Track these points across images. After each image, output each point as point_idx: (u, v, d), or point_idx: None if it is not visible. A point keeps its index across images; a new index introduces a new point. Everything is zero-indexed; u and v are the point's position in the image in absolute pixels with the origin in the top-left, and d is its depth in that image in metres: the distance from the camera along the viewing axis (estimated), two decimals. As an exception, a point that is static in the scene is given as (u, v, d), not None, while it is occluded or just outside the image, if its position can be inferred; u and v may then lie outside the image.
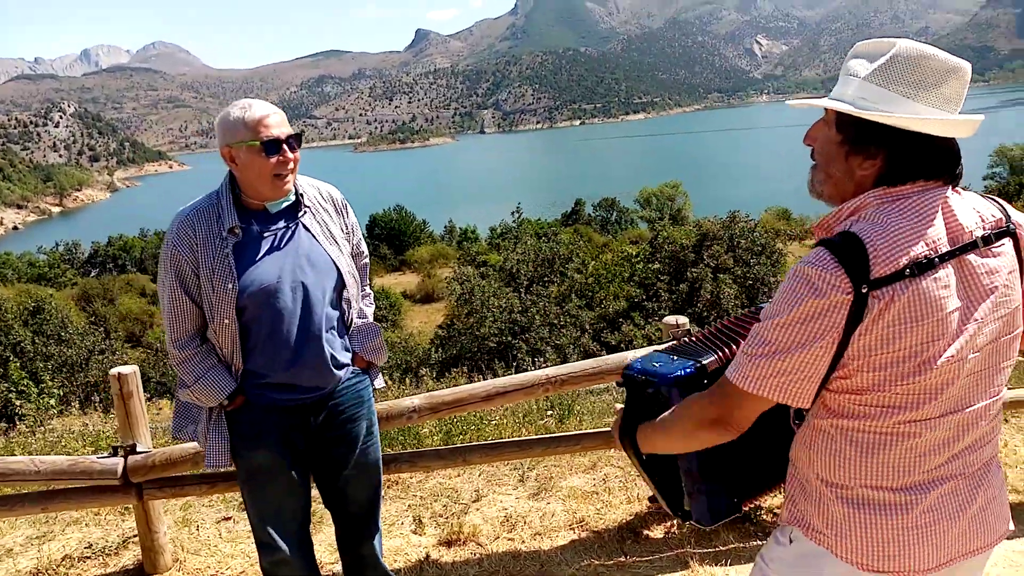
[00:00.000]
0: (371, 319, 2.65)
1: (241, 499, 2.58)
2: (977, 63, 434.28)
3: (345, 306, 2.51)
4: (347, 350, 2.53)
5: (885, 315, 1.30)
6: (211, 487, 3.18)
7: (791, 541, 1.52)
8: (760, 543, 3.34)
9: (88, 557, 3.51)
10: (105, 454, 3.10)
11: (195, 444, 3.09)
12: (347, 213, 2.58)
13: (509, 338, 22.18)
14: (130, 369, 3.12)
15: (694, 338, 1.79)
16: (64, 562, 3.46)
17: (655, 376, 1.62)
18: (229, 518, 3.83)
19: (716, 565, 3.20)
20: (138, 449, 3.09)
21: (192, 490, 3.18)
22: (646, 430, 1.61)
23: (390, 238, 63.31)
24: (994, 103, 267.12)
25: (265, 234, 2.33)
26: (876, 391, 1.36)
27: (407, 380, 8.59)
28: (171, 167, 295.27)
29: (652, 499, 1.83)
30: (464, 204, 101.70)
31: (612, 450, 4.35)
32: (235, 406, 2.38)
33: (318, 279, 2.38)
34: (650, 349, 2.15)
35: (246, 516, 2.69)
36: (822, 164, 1.49)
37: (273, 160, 2.24)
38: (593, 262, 32.77)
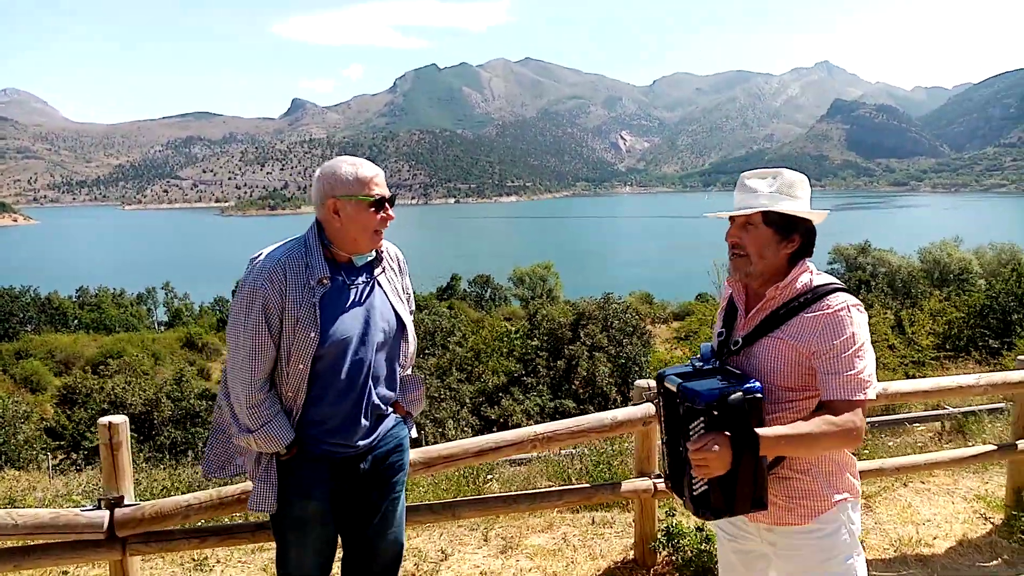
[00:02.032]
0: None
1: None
2: (814, 170, 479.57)
3: (405, 362, 2.62)
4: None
5: None
6: (201, 542, 3.10)
7: (821, 526, 2.08)
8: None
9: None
10: (89, 506, 2.98)
11: (188, 497, 3.05)
12: (406, 274, 2.69)
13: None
14: (121, 419, 3.04)
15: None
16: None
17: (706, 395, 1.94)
18: (190, 580, 3.70)
19: (685, 615, 3.42)
20: (125, 502, 3.00)
21: (181, 545, 3.08)
22: (777, 441, 1.91)
23: (257, 305, 61.26)
24: (828, 207, 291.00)
25: (349, 287, 2.42)
26: None
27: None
28: (15, 220, 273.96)
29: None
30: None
31: (567, 511, 4.55)
32: (290, 456, 2.40)
33: (388, 334, 2.49)
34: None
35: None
36: (756, 251, 2.10)
37: (379, 216, 2.39)
38: (473, 336, 33.08)
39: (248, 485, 3.08)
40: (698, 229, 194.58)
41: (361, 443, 2.48)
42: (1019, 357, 4.46)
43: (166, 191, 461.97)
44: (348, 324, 2.38)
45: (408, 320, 2.57)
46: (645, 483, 3.70)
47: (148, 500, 3.08)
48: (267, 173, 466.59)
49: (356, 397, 2.42)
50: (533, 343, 30.97)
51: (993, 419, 8.26)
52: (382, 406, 2.52)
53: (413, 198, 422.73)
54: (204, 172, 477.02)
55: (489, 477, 5.35)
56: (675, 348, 37.77)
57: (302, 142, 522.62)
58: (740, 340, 2.13)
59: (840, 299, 2.03)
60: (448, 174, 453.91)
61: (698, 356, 2.21)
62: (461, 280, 67.43)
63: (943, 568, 3.92)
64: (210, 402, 27.48)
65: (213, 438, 2.56)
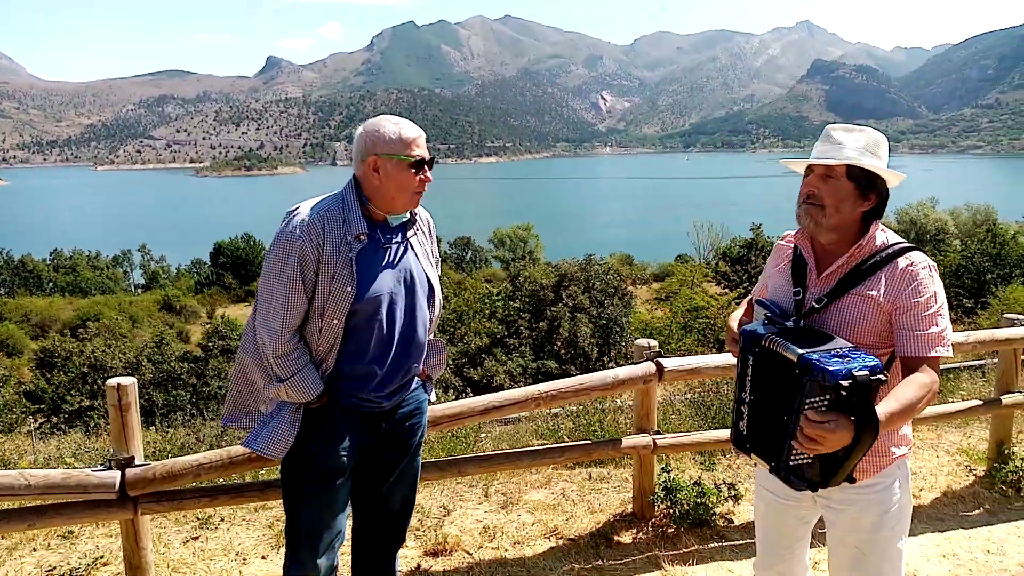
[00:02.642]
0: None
1: (288, 505, 2.49)
2: (794, 130, 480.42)
3: (431, 325, 2.61)
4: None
5: None
6: (211, 500, 3.14)
7: (880, 480, 2.13)
8: (717, 545, 3.72)
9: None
10: (100, 467, 3.01)
11: (198, 457, 3.08)
12: (434, 238, 2.67)
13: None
14: (129, 380, 3.05)
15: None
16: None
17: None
18: (197, 538, 3.74)
19: (684, 565, 3.54)
20: (136, 462, 3.02)
21: (191, 504, 3.11)
22: (890, 419, 1.87)
23: (236, 267, 60.73)
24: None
25: (384, 245, 2.42)
26: None
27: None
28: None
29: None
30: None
31: (564, 468, 4.64)
32: (320, 404, 2.40)
33: (419, 295, 2.49)
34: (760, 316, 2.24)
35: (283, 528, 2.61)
36: (833, 203, 2.07)
37: (418, 178, 2.39)
38: (455, 298, 33.12)
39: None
40: (678, 191, 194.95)
41: (388, 401, 2.49)
42: (1006, 315, 4.57)
43: (139, 151, 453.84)
44: (383, 281, 2.38)
45: (437, 284, 2.58)
46: (645, 439, 3.77)
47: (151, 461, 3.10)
48: (242, 133, 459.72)
49: (388, 354, 2.42)
50: (515, 305, 31.05)
51: (969, 376, 8.48)
52: (411, 366, 2.52)
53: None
54: (178, 132, 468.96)
55: (483, 436, 5.42)
56: (656, 308, 38.16)
57: (277, 101, 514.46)
58: (825, 297, 2.10)
59: (920, 258, 2.06)
60: (427, 134, 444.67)
61: (764, 315, 2.16)
62: (442, 242, 67.24)
63: (929, 518, 4.06)
64: (192, 364, 27.36)
65: (234, 389, 2.54)
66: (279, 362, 2.32)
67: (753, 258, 39.59)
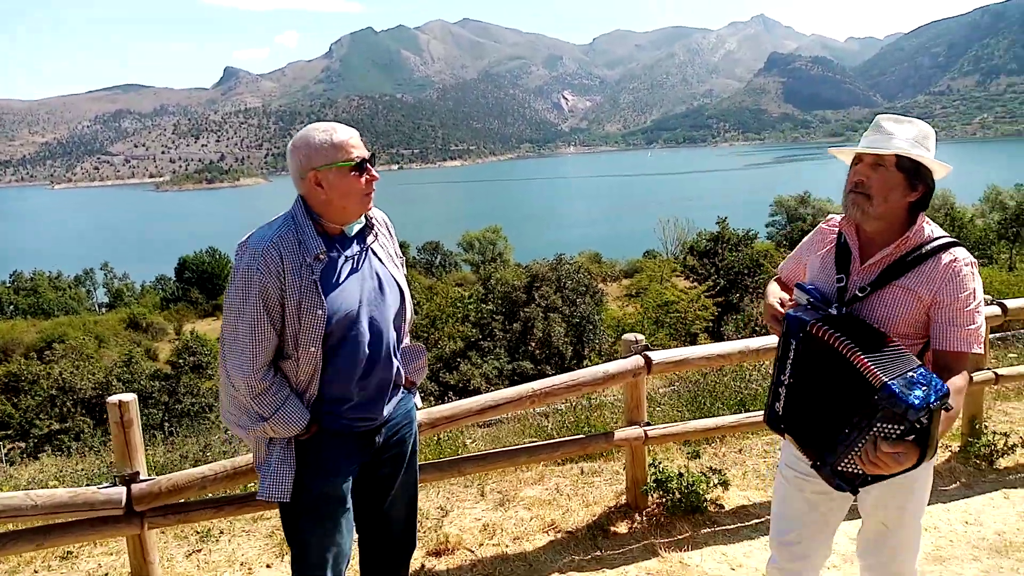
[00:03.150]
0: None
1: (291, 534, 2.41)
2: (753, 124, 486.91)
3: (405, 329, 2.55)
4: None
5: None
6: (217, 510, 3.17)
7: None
8: (709, 531, 3.84)
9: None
10: (105, 484, 3.03)
11: (203, 469, 3.12)
12: (395, 238, 2.59)
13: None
14: (130, 397, 3.08)
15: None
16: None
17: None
18: (199, 551, 3.76)
19: (680, 551, 3.64)
20: (140, 477, 3.05)
21: (198, 516, 3.15)
22: (949, 422, 1.93)
23: (202, 281, 60.09)
24: (769, 160, 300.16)
25: (345, 259, 2.32)
26: None
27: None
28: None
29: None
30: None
31: (555, 464, 4.73)
32: (309, 435, 2.31)
33: (389, 302, 2.41)
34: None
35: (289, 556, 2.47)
36: (881, 193, 2.10)
37: (363, 180, 2.29)
38: (427, 303, 33.11)
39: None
40: (642, 187, 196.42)
41: (380, 415, 2.42)
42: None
43: (97, 168, 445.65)
44: (352, 296, 2.30)
45: (405, 286, 2.50)
46: (636, 431, 3.88)
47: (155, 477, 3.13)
48: (202, 145, 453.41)
49: (371, 368, 2.35)
50: (488, 307, 31.15)
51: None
52: (395, 373, 2.45)
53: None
54: (136, 147, 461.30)
55: (468, 441, 5.49)
56: (627, 305, 38.48)
57: (237, 112, 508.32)
58: (868, 287, 2.14)
59: (964, 254, 2.10)
60: (390, 140, 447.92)
61: (805, 300, 2.18)
62: (410, 247, 67.05)
63: (909, 494, 4.22)
64: (163, 382, 27.00)
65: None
66: (258, 401, 2.23)
67: (720, 251, 40.07)
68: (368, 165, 2.31)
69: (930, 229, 2.15)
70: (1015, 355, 7.75)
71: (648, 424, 3.96)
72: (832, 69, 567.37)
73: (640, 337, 3.84)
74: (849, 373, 1.94)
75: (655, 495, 3.99)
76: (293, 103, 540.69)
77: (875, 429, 1.86)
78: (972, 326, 2.06)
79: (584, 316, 30.21)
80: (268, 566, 3.60)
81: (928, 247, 2.11)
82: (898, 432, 1.83)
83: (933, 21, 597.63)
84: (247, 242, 2.26)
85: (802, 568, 2.40)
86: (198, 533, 3.95)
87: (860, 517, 2.41)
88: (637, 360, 3.77)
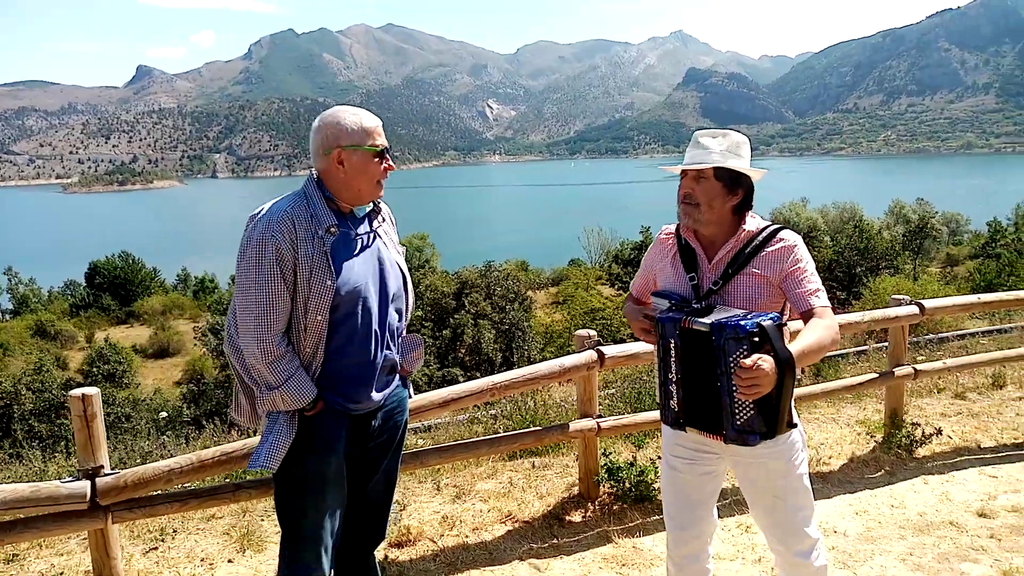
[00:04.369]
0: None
1: (285, 510, 2.44)
2: (673, 136, 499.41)
3: (406, 317, 2.61)
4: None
5: None
6: (183, 504, 3.15)
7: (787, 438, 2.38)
8: (658, 518, 4.02)
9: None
10: (69, 478, 2.98)
11: (169, 462, 3.11)
12: (395, 228, 2.68)
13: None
14: (94, 391, 3.04)
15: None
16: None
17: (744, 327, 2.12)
18: (156, 548, 3.72)
19: (632, 537, 3.81)
20: (104, 471, 3.02)
21: (163, 509, 3.12)
22: (801, 355, 2.16)
23: (114, 288, 57.61)
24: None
25: (355, 237, 2.41)
26: None
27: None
28: None
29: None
30: (199, 251, 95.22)
31: (506, 458, 4.84)
32: (316, 411, 2.36)
33: (392, 285, 2.48)
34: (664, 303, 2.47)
35: (279, 537, 2.52)
36: (706, 201, 2.39)
37: (383, 167, 2.42)
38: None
39: (229, 446, 3.18)
40: (566, 197, 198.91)
41: (377, 395, 2.48)
42: (894, 296, 5.13)
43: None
44: (360, 272, 2.38)
45: (407, 273, 2.58)
46: (589, 423, 4.04)
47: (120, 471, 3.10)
48: (113, 146, 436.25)
49: (374, 349, 2.42)
50: (417, 314, 31.11)
51: (855, 359, 9.29)
52: (394, 357, 2.53)
53: (276, 169, 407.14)
54: (42, 146, 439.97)
55: (421, 441, 5.56)
56: (554, 312, 38.97)
57: (150, 112, 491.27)
58: (720, 280, 2.40)
59: (790, 234, 2.42)
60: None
61: (667, 305, 2.40)
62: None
63: (840, 482, 4.52)
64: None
65: (238, 389, 2.51)
66: (272, 368, 2.29)
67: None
68: (386, 155, 2.44)
69: (755, 223, 2.44)
70: (923, 357, 8.30)
71: (600, 416, 4.12)
72: (747, 85, 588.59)
73: (592, 333, 4.01)
74: (710, 344, 2.19)
75: (607, 485, 4.15)
76: (210, 104, 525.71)
77: (731, 362, 2.12)
78: (812, 285, 2.35)
79: (513, 323, 30.49)
80: (230, 561, 3.59)
81: (761, 236, 2.41)
82: (745, 351, 2.09)
83: (841, 42, 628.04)
84: (259, 214, 2.34)
85: (699, 548, 2.59)
86: (151, 532, 3.90)
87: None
88: (591, 355, 3.93)
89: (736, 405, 2.17)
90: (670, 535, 2.61)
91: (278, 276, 2.27)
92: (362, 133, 2.37)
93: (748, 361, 2.05)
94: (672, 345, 2.31)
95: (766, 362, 2.05)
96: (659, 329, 2.36)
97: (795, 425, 2.31)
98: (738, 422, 2.19)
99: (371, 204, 2.50)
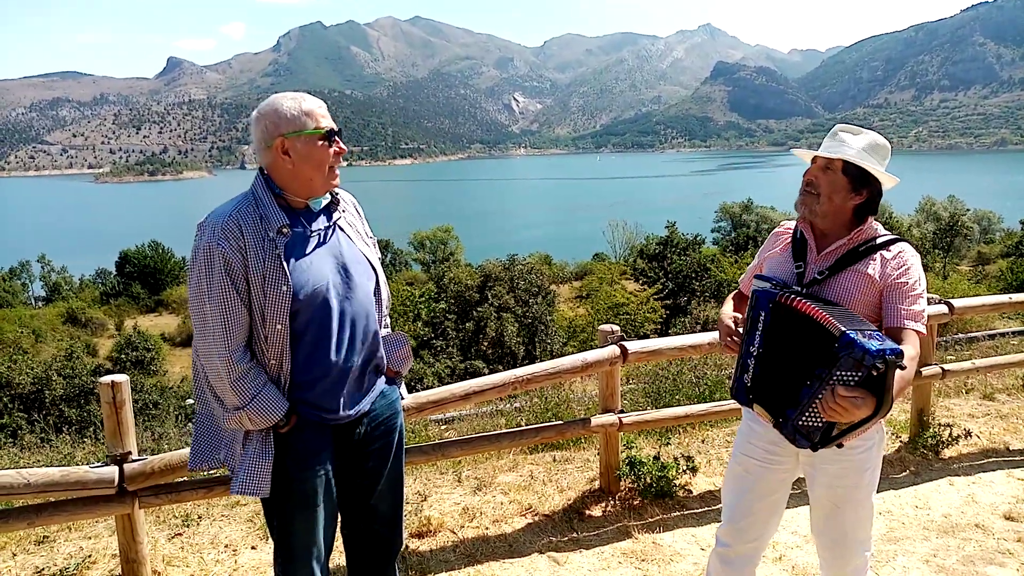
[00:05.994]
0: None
1: (274, 526, 2.31)
2: (700, 131, 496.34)
3: (382, 313, 2.43)
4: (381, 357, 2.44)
5: None
6: (208, 491, 3.20)
7: (862, 442, 2.33)
8: (679, 514, 4.02)
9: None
10: (98, 463, 3.05)
11: (195, 449, 3.15)
12: (363, 218, 2.49)
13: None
14: (123, 378, 3.10)
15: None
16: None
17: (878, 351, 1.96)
18: (181, 534, 3.79)
19: (652, 532, 3.81)
20: (132, 457, 3.08)
21: (189, 495, 3.18)
22: (902, 382, 2.07)
23: (144, 276, 58.45)
24: (714, 166, 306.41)
25: (309, 234, 2.22)
26: None
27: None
28: None
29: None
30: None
31: (528, 451, 4.86)
32: (291, 427, 2.20)
33: (359, 281, 2.28)
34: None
35: (272, 549, 2.40)
36: (827, 193, 2.32)
37: (332, 150, 2.22)
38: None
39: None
40: (591, 191, 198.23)
41: (353, 406, 2.31)
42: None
43: (32, 157, 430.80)
44: (319, 272, 2.19)
45: (378, 265, 2.39)
46: (611, 418, 4.03)
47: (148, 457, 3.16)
48: (144, 137, 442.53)
49: (346, 353, 2.25)
50: (440, 306, 31.19)
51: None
52: (370, 360, 2.36)
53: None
54: (74, 136, 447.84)
55: (445, 430, 5.59)
56: (578, 307, 38.90)
57: (180, 103, 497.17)
58: (826, 270, 2.33)
59: (909, 247, 2.34)
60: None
61: (768, 286, 2.32)
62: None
63: (864, 480, 4.48)
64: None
65: (199, 426, 2.33)
66: (236, 386, 2.12)
67: (668, 254, 40.82)
68: (336, 137, 2.25)
69: (875, 229, 2.37)
70: (952, 357, 8.18)
71: (623, 411, 4.12)
72: (776, 80, 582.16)
73: (616, 328, 4.00)
74: (813, 333, 2.10)
75: (628, 480, 4.15)
76: (239, 96, 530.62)
77: (835, 377, 1.99)
78: (916, 307, 2.28)
79: (536, 316, 30.47)
80: (253, 548, 3.64)
81: (878, 240, 2.34)
82: (856, 378, 1.96)
83: (872, 36, 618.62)
84: (205, 221, 2.17)
85: (754, 550, 2.56)
86: (176, 517, 3.97)
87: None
88: (613, 350, 3.92)
89: (809, 409, 2.11)
90: (724, 528, 2.58)
91: (230, 287, 2.10)
92: (304, 116, 2.17)
93: (846, 392, 1.96)
94: (761, 318, 2.28)
95: (865, 403, 1.96)
96: (752, 300, 2.34)
97: (841, 446, 2.19)
98: (799, 422, 2.14)
99: (328, 195, 2.29)
